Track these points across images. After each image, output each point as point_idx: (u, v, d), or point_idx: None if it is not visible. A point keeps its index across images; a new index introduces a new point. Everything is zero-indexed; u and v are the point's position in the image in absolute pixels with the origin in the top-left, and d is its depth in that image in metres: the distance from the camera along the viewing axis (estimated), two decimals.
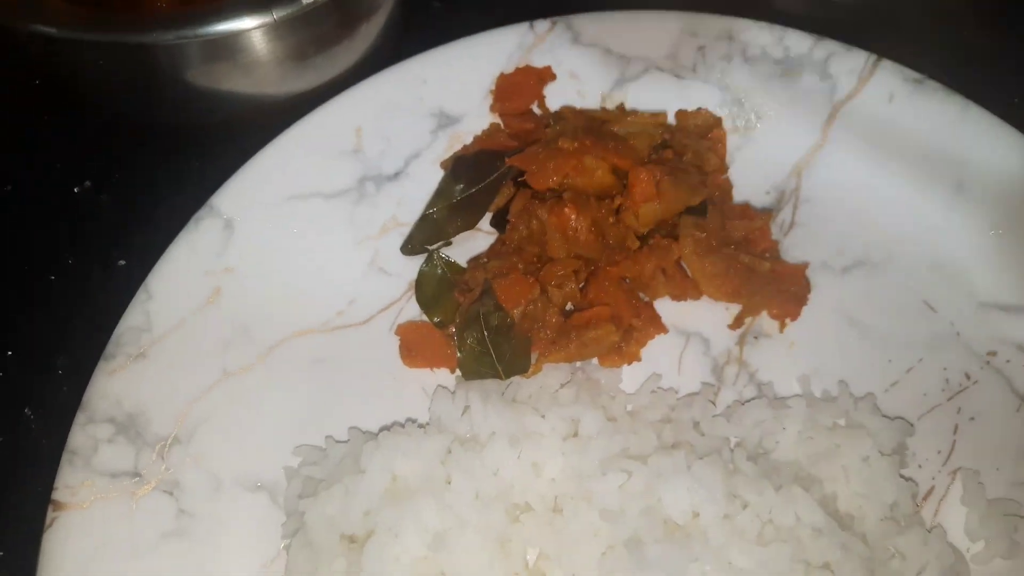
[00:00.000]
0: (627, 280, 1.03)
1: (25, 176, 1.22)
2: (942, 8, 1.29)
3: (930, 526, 0.93)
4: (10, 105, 1.28)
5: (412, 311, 1.06)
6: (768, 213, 1.08)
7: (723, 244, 1.03)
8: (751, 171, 1.13)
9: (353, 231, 1.09)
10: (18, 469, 1.03)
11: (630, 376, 1.02)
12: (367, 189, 1.11)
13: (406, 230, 1.10)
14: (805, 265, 1.06)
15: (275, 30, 1.05)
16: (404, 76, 1.13)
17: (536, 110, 1.14)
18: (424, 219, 1.09)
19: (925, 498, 0.95)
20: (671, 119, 1.13)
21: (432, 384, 1.02)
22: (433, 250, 1.07)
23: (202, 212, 1.05)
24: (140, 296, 1.00)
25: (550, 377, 0.99)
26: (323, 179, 1.10)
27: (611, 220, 1.02)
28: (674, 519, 0.84)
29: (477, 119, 1.14)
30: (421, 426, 0.97)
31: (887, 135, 1.12)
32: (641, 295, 1.04)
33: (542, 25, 1.17)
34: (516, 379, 0.99)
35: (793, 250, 1.09)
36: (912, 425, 0.98)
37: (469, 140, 1.13)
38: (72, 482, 0.91)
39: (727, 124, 1.14)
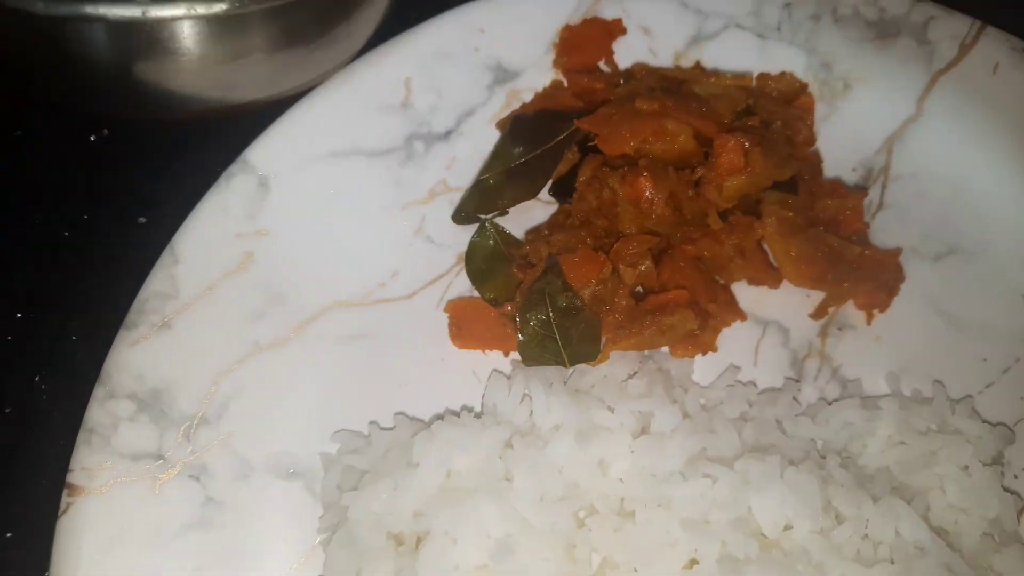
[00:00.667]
0: (702, 261, 0.93)
1: (37, 121, 1.11)
2: None
3: None
4: None
5: (461, 286, 0.97)
6: (862, 192, 0.98)
7: (810, 224, 0.93)
8: (837, 145, 1.03)
9: (399, 195, 0.99)
10: (28, 443, 0.94)
11: (701, 367, 0.93)
12: (415, 148, 1.01)
13: (456, 196, 1.00)
14: (899, 251, 0.96)
15: None
16: (459, 23, 1.02)
17: (604, 67, 1.03)
18: (478, 185, 0.99)
19: (1021, 512, 0.87)
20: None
21: (481, 367, 0.93)
22: (486, 219, 0.97)
23: (234, 167, 0.95)
24: (165, 259, 0.91)
25: (617, 366, 0.90)
26: (367, 135, 1.00)
27: (689, 193, 0.92)
28: (765, 532, 0.76)
29: (538, 75, 1.04)
30: (477, 415, 0.88)
31: (989, 109, 1.02)
32: (716, 278, 0.95)
33: None
34: (580, 366, 0.89)
35: (880, 234, 0.99)
36: (1013, 432, 0.89)
37: (528, 98, 1.03)
38: (89, 464, 0.82)
39: (812, 91, 1.04)
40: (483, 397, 0.90)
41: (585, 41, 1.03)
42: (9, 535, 0.90)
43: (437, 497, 0.79)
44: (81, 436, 0.84)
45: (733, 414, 0.87)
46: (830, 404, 0.89)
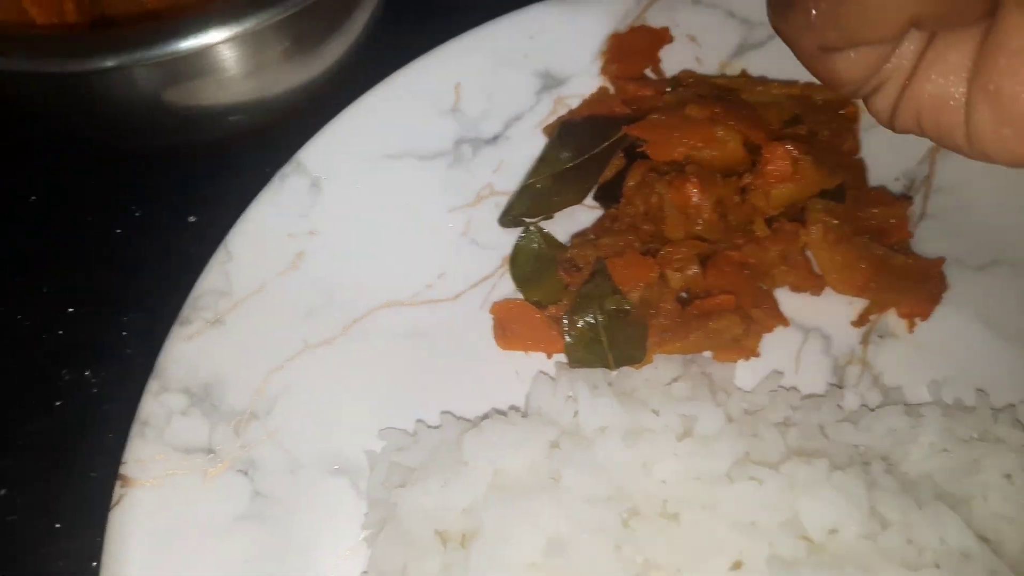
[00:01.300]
0: (746, 266, 0.94)
1: None
2: None
3: None
4: None
5: (505, 289, 0.98)
6: (907, 200, 0.98)
7: (855, 232, 0.94)
8: (881, 154, 1.02)
9: (446, 197, 1.00)
10: (78, 436, 0.95)
11: (744, 372, 0.93)
12: (463, 152, 1.02)
13: (502, 200, 1.01)
14: (942, 260, 0.96)
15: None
16: (511, 29, 1.03)
17: (651, 75, 1.04)
18: (526, 189, 1.00)
19: None
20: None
21: (525, 368, 0.94)
22: (532, 223, 0.98)
23: (287, 168, 0.96)
24: (219, 256, 0.92)
25: (660, 369, 0.91)
26: (417, 138, 1.01)
27: (736, 199, 0.93)
28: (810, 535, 0.76)
29: (584, 82, 1.05)
30: (523, 415, 0.89)
31: None
32: (760, 284, 0.95)
33: None
34: (624, 369, 0.90)
35: (923, 244, 0.99)
36: None
37: (574, 104, 1.04)
38: (143, 456, 0.84)
39: (857, 101, 1.04)
40: (527, 398, 0.91)
41: (633, 49, 1.04)
42: (58, 526, 0.92)
43: (486, 495, 0.79)
44: (135, 428, 0.85)
45: (776, 419, 0.88)
46: (873, 410, 0.90)
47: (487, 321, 0.95)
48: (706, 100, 0.94)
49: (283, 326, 0.92)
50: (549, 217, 1.00)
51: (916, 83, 0.56)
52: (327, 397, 0.91)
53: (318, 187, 0.97)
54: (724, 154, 0.93)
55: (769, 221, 0.94)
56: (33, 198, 1.09)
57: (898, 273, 0.94)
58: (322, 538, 0.85)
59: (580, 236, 0.97)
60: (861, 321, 0.96)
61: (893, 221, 0.96)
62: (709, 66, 1.05)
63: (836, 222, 0.92)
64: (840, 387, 0.92)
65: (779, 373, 0.92)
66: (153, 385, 0.87)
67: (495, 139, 1.03)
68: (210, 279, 0.91)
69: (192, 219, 1.06)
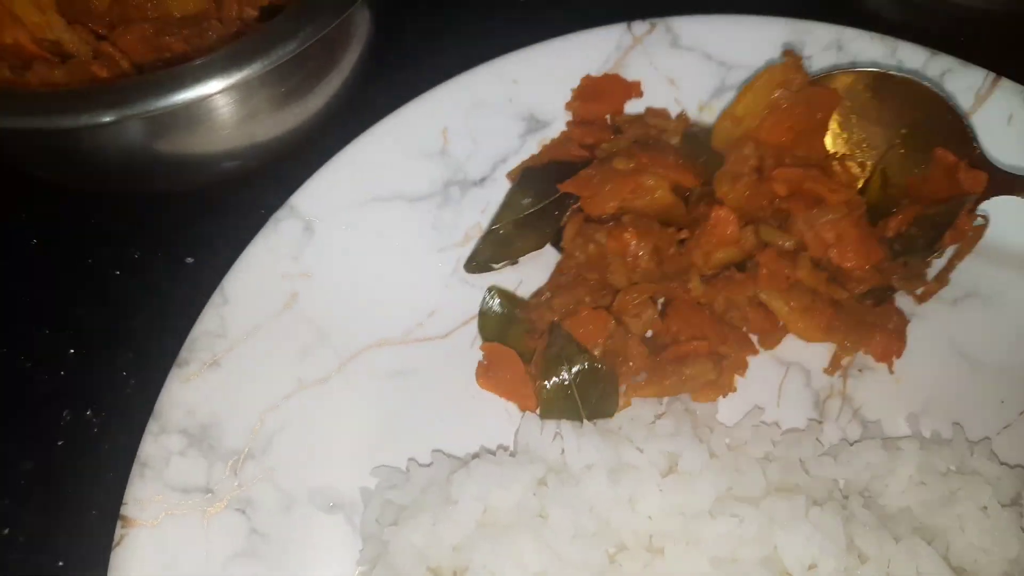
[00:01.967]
0: (708, 308, 0.96)
1: None
2: None
3: None
4: None
5: None
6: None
7: (813, 273, 0.94)
8: None
9: (436, 238, 1.03)
10: (79, 475, 0.98)
11: (726, 407, 0.96)
12: (452, 194, 1.05)
13: None
14: (892, 298, 0.99)
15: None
16: (495, 74, 1.07)
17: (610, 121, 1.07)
18: (489, 235, 1.02)
19: None
20: None
21: (514, 405, 0.96)
22: (499, 266, 1.01)
23: (281, 212, 0.99)
24: (215, 299, 0.95)
25: (644, 407, 0.93)
26: (407, 181, 1.04)
27: (672, 250, 0.95)
28: (790, 571, 0.79)
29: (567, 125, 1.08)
30: (511, 454, 0.91)
31: (1004, 158, 1.04)
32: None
33: (640, 27, 1.10)
34: None
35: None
36: None
37: None
38: (143, 496, 0.86)
39: None
40: (516, 435, 0.93)
41: (602, 93, 1.06)
42: (61, 564, 0.94)
43: (475, 532, 0.82)
44: (135, 469, 0.88)
45: (758, 454, 0.90)
46: (852, 445, 0.92)
47: (477, 358, 0.98)
48: (632, 150, 0.96)
49: (278, 366, 0.95)
50: (515, 262, 1.02)
51: None
52: (322, 435, 0.94)
53: (311, 230, 1.00)
54: (654, 201, 0.95)
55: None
56: (34, 241, 1.11)
57: (860, 313, 0.96)
58: (317, 574, 0.88)
59: (537, 296, 0.98)
60: (833, 367, 0.98)
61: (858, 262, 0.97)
62: (689, 107, 1.09)
63: (786, 271, 0.93)
64: (820, 421, 0.95)
65: (760, 409, 0.95)
66: (152, 427, 0.89)
67: (482, 181, 1.06)
68: (206, 322, 0.94)
69: (189, 260, 1.09)
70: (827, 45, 1.10)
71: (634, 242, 0.93)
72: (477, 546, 0.80)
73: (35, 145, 1.00)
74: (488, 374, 0.96)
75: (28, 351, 1.05)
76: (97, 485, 0.96)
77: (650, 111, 1.06)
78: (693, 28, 1.10)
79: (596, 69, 1.09)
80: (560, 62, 1.08)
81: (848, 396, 0.97)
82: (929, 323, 0.99)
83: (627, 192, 0.95)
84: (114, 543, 0.85)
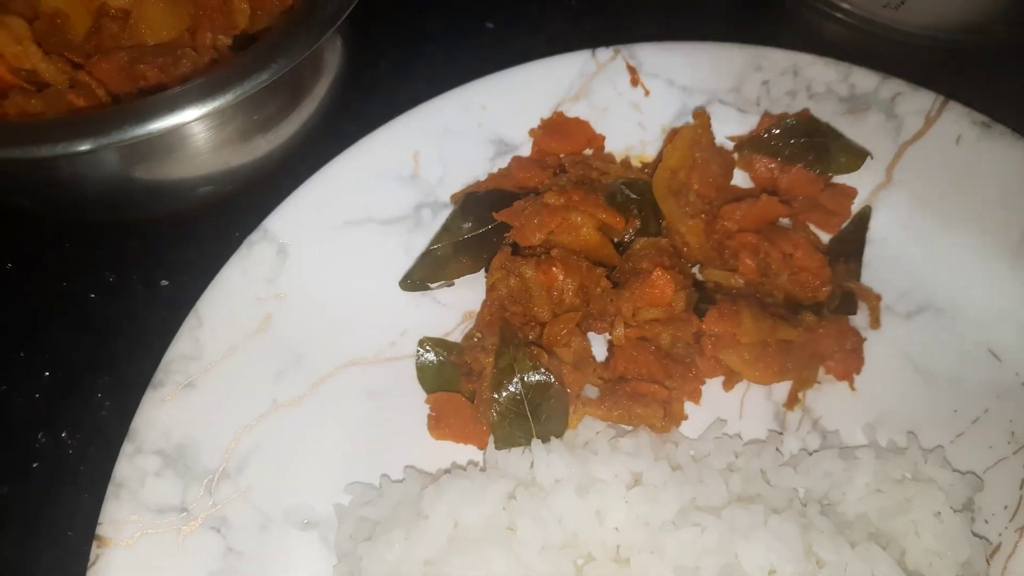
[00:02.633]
0: (655, 345, 0.98)
1: None
2: (1011, 49, 1.27)
3: None
4: None
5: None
6: (822, 255, 1.04)
7: (758, 314, 0.96)
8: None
9: (408, 259, 1.06)
10: (55, 497, 0.98)
11: (690, 420, 0.98)
12: (423, 216, 1.08)
13: None
14: (846, 319, 1.02)
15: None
16: (465, 100, 1.10)
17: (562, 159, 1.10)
18: (427, 255, 1.05)
19: (992, 555, 0.93)
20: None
21: None
22: (436, 286, 1.04)
23: (255, 236, 1.02)
24: (190, 322, 0.97)
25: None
26: (379, 204, 1.07)
27: (598, 291, 0.98)
28: None
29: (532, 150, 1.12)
30: (482, 469, 0.93)
31: (953, 178, 1.09)
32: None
33: (604, 53, 1.14)
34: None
35: None
36: (982, 480, 0.95)
37: None
38: (118, 517, 0.88)
39: None
40: (486, 451, 0.95)
41: (566, 132, 1.10)
42: None
43: (447, 547, 0.84)
44: (110, 490, 0.89)
45: (721, 465, 0.93)
46: (811, 455, 0.95)
47: None
48: (565, 187, 0.99)
49: (253, 387, 0.97)
50: (450, 284, 1.04)
51: None
52: (296, 454, 0.95)
53: (284, 253, 1.02)
54: (580, 238, 0.98)
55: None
56: (9, 265, 1.13)
57: (811, 348, 0.99)
58: None
59: (468, 339, 1.00)
60: (791, 402, 1.00)
61: (809, 275, 1.01)
62: (651, 131, 1.13)
63: (727, 327, 0.95)
64: (781, 432, 0.98)
65: (723, 421, 0.98)
66: (127, 448, 0.91)
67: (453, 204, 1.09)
68: (181, 344, 0.96)
69: (164, 283, 1.11)
70: (784, 70, 1.14)
71: (561, 277, 0.96)
72: (449, 560, 0.82)
73: (12, 174, 1.01)
74: (439, 425, 0.97)
75: (4, 374, 1.06)
76: (73, 507, 0.97)
77: (596, 154, 1.10)
78: (655, 55, 1.14)
79: (562, 94, 1.12)
80: (527, 88, 1.12)
81: (808, 408, 1.00)
82: (884, 337, 1.03)
83: (554, 226, 0.97)
84: (90, 563, 0.86)
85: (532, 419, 0.91)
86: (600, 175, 1.05)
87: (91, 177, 0.99)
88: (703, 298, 1.00)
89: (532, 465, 0.90)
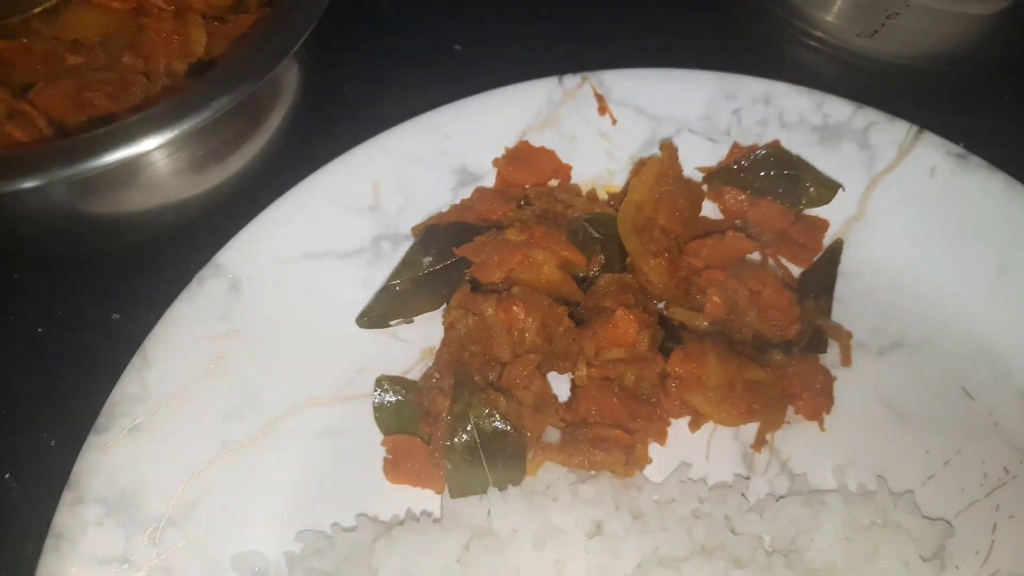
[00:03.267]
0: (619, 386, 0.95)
1: None
2: (987, 80, 1.25)
3: None
4: None
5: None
6: (791, 290, 1.02)
7: (725, 353, 0.93)
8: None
9: (366, 293, 1.02)
10: None
11: (654, 463, 0.95)
12: (382, 248, 1.04)
13: None
14: (816, 357, 1.00)
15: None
16: (426, 128, 1.07)
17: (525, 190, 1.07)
18: (386, 290, 1.00)
19: None
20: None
21: None
22: (396, 323, 1.00)
23: (206, 271, 0.98)
24: (136, 363, 0.93)
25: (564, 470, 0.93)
26: (337, 237, 1.03)
27: (561, 330, 0.95)
28: None
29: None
30: (436, 520, 0.90)
31: (927, 210, 1.07)
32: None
33: (571, 80, 1.11)
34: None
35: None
36: (952, 527, 0.93)
37: None
38: (56, 571, 0.84)
39: None
40: (443, 498, 0.92)
41: (532, 162, 1.07)
42: None
43: None
44: (49, 542, 0.86)
45: (685, 511, 0.90)
46: (778, 500, 0.93)
47: None
48: (528, 223, 0.97)
49: (202, 429, 0.93)
50: (409, 321, 1.01)
51: None
52: (247, 499, 0.92)
53: (237, 288, 0.99)
54: (542, 276, 0.95)
55: None
56: None
57: (780, 388, 0.97)
58: None
59: (427, 379, 0.97)
60: (759, 444, 0.97)
61: (778, 313, 0.99)
62: (620, 160, 1.09)
63: (693, 367, 0.92)
64: (748, 477, 0.95)
65: (688, 464, 0.95)
66: (67, 497, 0.87)
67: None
68: (127, 386, 0.92)
69: (115, 316, 1.07)
70: (756, 99, 1.11)
71: (522, 315, 0.93)
72: None
73: None
74: (395, 468, 0.93)
75: None
76: (15, 557, 0.93)
77: (562, 185, 1.06)
78: (624, 82, 1.11)
79: (528, 122, 1.09)
80: (492, 115, 1.09)
81: (776, 449, 0.98)
82: (855, 375, 1.01)
83: (515, 263, 0.95)
84: None
85: (488, 467, 0.88)
86: (565, 208, 1.02)
87: (38, 212, 0.95)
88: (669, 336, 0.98)
89: (489, 514, 0.88)
